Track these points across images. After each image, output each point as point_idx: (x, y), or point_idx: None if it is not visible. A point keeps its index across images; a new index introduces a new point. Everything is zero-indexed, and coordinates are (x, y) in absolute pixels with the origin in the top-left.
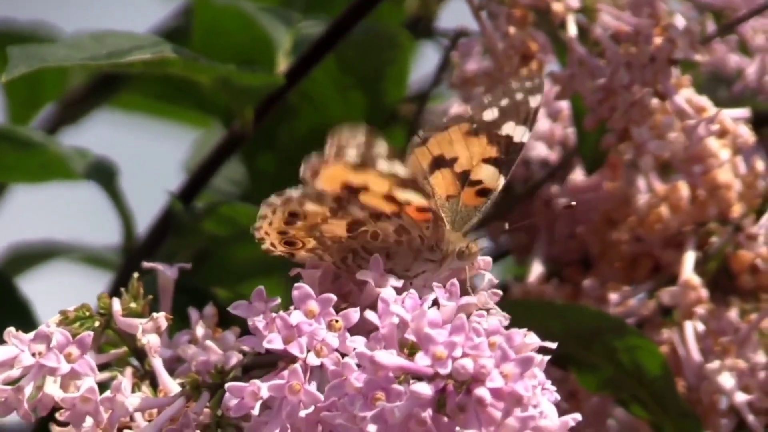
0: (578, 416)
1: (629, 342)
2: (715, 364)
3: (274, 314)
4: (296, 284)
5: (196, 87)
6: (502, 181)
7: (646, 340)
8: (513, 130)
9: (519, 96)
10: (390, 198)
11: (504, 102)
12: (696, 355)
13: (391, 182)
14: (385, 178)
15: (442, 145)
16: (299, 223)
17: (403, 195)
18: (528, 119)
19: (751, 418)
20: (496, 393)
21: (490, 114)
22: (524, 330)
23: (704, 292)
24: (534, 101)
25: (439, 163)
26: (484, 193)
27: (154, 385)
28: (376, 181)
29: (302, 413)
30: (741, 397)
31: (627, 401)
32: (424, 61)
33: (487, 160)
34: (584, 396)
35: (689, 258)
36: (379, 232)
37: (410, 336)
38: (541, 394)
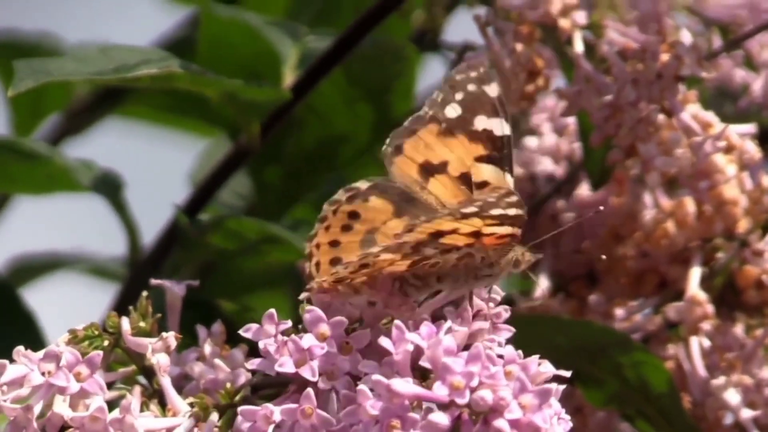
0: None
1: (635, 357)
2: (720, 380)
3: (285, 338)
4: (308, 307)
5: (202, 98)
6: (509, 178)
7: (651, 355)
8: (488, 123)
9: (472, 87)
10: (475, 234)
11: (459, 96)
12: (701, 370)
13: (483, 221)
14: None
15: (420, 150)
16: (364, 270)
17: (490, 229)
18: (497, 110)
19: None
20: (514, 424)
21: (452, 111)
22: (537, 357)
23: (710, 308)
24: (491, 91)
25: (429, 169)
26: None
27: (163, 404)
28: (469, 222)
29: None
30: (747, 414)
31: (633, 417)
32: (431, 75)
33: (479, 159)
34: (590, 411)
35: (695, 273)
36: (440, 262)
37: (425, 363)
38: (557, 424)
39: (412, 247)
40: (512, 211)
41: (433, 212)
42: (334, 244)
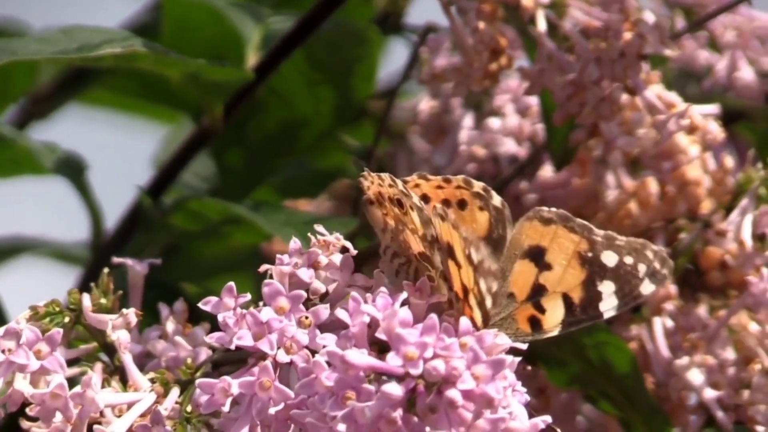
0: (548, 418)
1: (598, 338)
2: (683, 361)
3: (244, 311)
4: (266, 281)
5: (165, 83)
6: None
7: (614, 336)
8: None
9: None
10: (465, 291)
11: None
12: (665, 351)
13: (474, 289)
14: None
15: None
16: (396, 210)
17: (472, 302)
18: None
19: (720, 414)
20: (467, 395)
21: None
22: (495, 330)
23: (673, 289)
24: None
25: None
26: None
27: (124, 380)
28: (469, 274)
29: (272, 410)
30: (710, 394)
31: (596, 397)
32: (393, 57)
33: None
34: (553, 392)
35: None
36: (435, 281)
37: (381, 335)
38: (511, 396)
39: (431, 235)
40: None
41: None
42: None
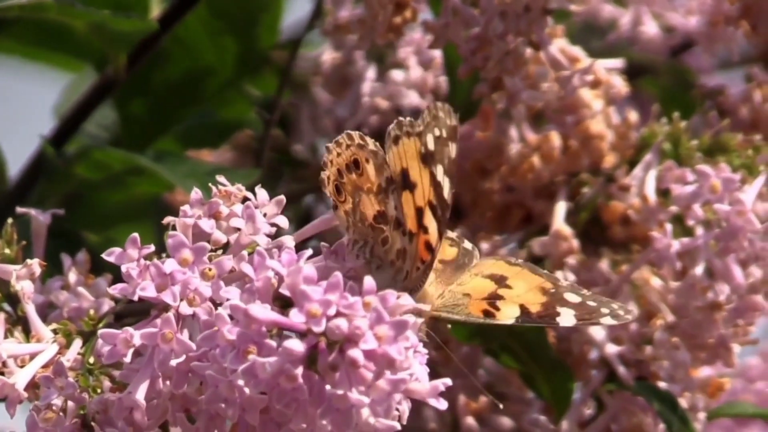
0: (449, 381)
1: None
2: None
3: (147, 262)
4: (170, 233)
5: (69, 32)
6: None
7: None
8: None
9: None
10: (419, 214)
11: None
12: None
13: (431, 198)
14: (431, 189)
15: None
16: (353, 176)
17: (429, 220)
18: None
19: (621, 369)
20: (369, 355)
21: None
22: (398, 292)
23: (575, 243)
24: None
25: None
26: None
27: (27, 331)
28: (425, 187)
29: (173, 362)
30: (612, 349)
31: (497, 352)
32: (297, 8)
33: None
34: (454, 346)
35: (560, 208)
36: (389, 240)
37: (285, 291)
38: (413, 357)
39: (388, 178)
40: None
41: None
42: None
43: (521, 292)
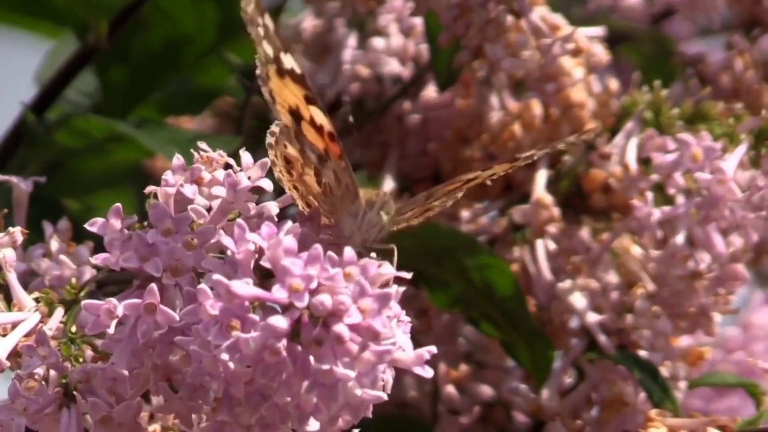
0: (434, 349)
1: (480, 260)
2: (566, 284)
3: (130, 232)
4: (153, 202)
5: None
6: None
7: (497, 258)
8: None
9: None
10: (319, 131)
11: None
12: (547, 274)
13: (306, 93)
14: (298, 86)
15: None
16: (293, 172)
17: (314, 111)
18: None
19: (602, 338)
20: (353, 328)
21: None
22: (378, 260)
23: (556, 211)
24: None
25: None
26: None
27: (8, 299)
28: (296, 94)
29: (156, 333)
30: (592, 317)
31: (478, 319)
32: None
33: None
34: (435, 314)
35: (541, 176)
36: (330, 184)
37: (266, 264)
38: (396, 327)
39: (296, 134)
40: None
41: None
42: None
43: None
